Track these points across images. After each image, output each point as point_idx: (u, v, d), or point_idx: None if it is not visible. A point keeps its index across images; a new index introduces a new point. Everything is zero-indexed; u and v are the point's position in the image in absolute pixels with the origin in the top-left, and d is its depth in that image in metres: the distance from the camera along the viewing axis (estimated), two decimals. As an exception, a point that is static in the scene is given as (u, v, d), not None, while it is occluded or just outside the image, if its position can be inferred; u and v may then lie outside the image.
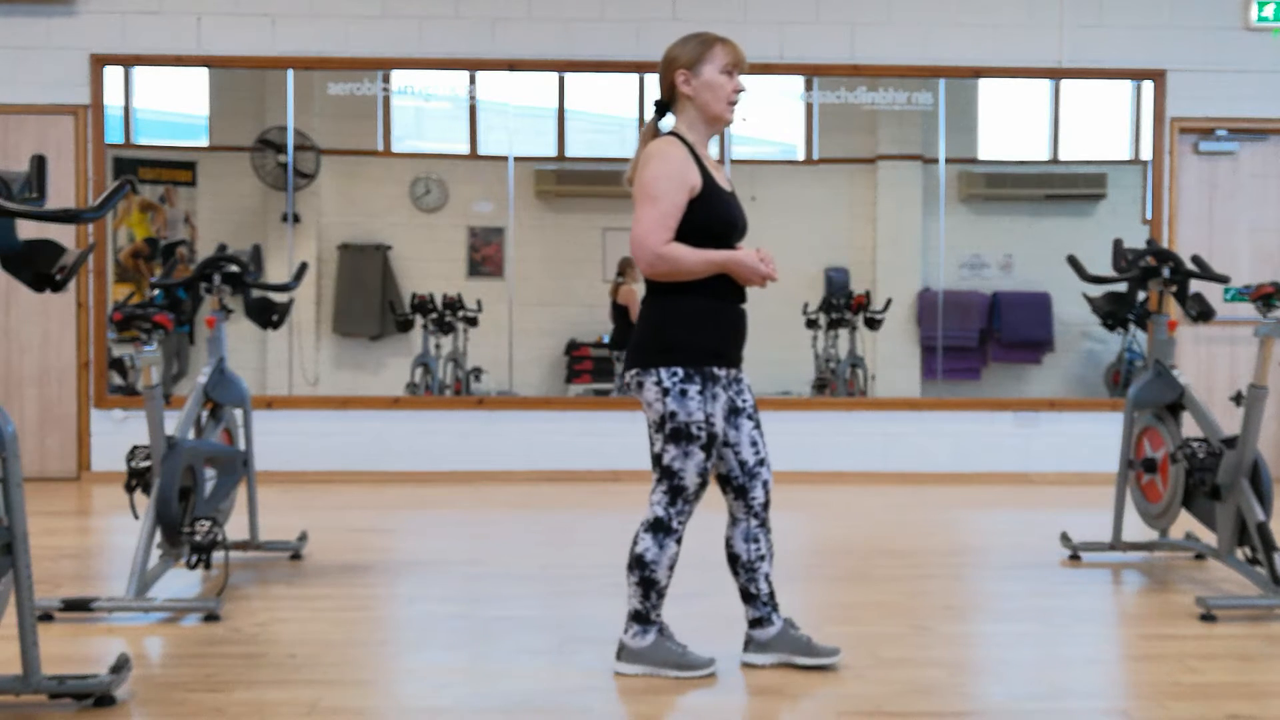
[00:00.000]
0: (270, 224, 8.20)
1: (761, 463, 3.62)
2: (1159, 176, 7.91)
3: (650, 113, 3.60)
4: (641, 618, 3.57)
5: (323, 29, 7.76)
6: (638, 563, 3.53)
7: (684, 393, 3.44)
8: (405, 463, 7.66)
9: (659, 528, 3.52)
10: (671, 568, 3.56)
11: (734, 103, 3.55)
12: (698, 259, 3.41)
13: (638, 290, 8.21)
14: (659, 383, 3.45)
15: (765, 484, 3.63)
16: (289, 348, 8.17)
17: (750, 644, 3.70)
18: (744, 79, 3.57)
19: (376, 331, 8.41)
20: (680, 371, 3.44)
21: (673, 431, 3.46)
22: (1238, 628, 4.17)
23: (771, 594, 3.68)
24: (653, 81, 8.12)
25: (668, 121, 3.59)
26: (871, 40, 7.86)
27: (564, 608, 4.48)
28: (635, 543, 3.54)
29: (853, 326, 8.24)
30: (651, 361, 3.46)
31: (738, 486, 3.62)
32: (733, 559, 3.66)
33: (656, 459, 3.52)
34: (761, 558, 3.65)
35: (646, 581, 3.53)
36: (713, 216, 3.46)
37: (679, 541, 3.55)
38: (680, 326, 3.45)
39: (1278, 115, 7.90)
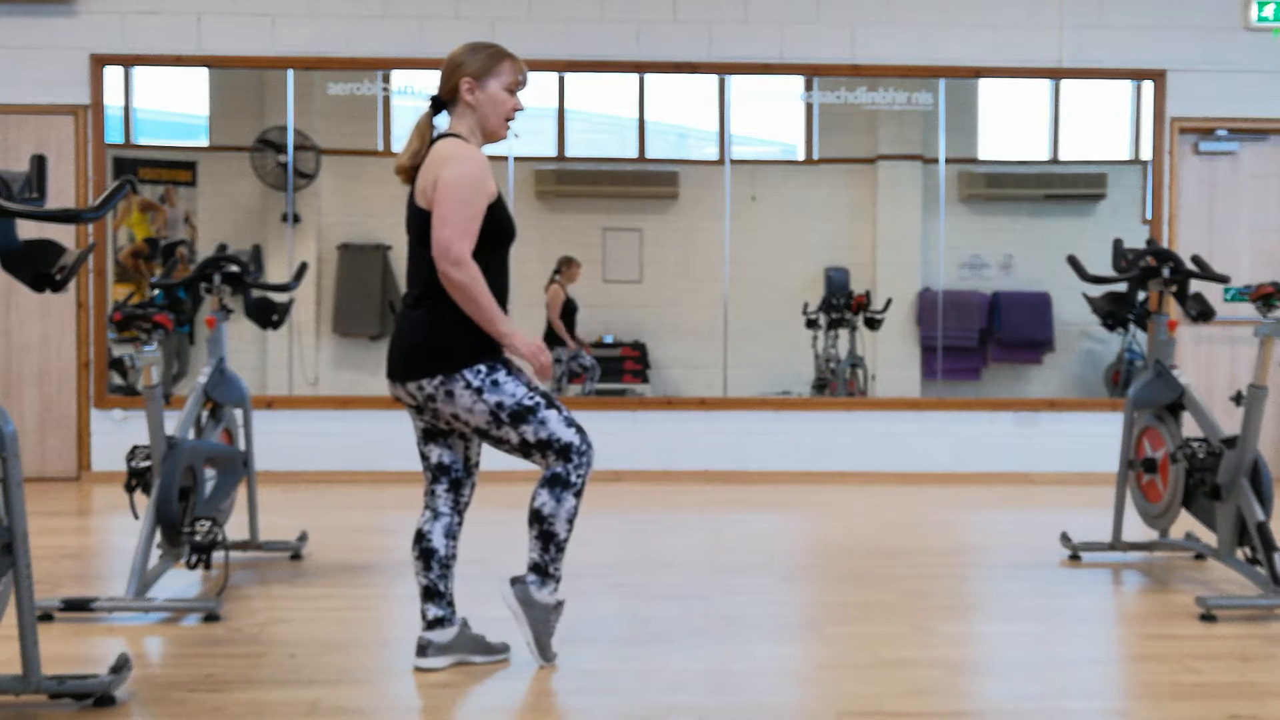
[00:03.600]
0: (270, 224, 8.20)
1: (477, 465, 3.74)
2: (1159, 176, 7.91)
3: (427, 106, 3.63)
4: (541, 570, 3.57)
5: (323, 29, 7.76)
6: (535, 517, 3.54)
7: (495, 382, 3.48)
8: (405, 463, 7.60)
9: (555, 482, 3.52)
10: (570, 522, 3.56)
11: (511, 120, 3.62)
12: (490, 309, 3.42)
13: (561, 293, 8.22)
14: (468, 385, 3.46)
15: (474, 485, 3.75)
16: (289, 348, 8.17)
17: (429, 648, 3.63)
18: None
19: (376, 331, 8.40)
20: (482, 369, 3.47)
21: (512, 416, 3.49)
22: (1238, 628, 4.17)
23: (452, 593, 3.68)
24: (653, 81, 8.13)
25: (441, 120, 3.63)
26: (871, 40, 7.86)
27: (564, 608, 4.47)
28: (533, 497, 3.54)
29: (853, 326, 8.24)
30: (453, 367, 3.46)
31: (454, 481, 3.69)
32: (427, 554, 3.63)
33: (522, 446, 3.53)
34: (454, 556, 3.68)
35: (546, 535, 3.54)
36: (502, 224, 3.53)
37: (578, 495, 3.55)
38: (470, 330, 3.46)
39: (1278, 115, 7.90)
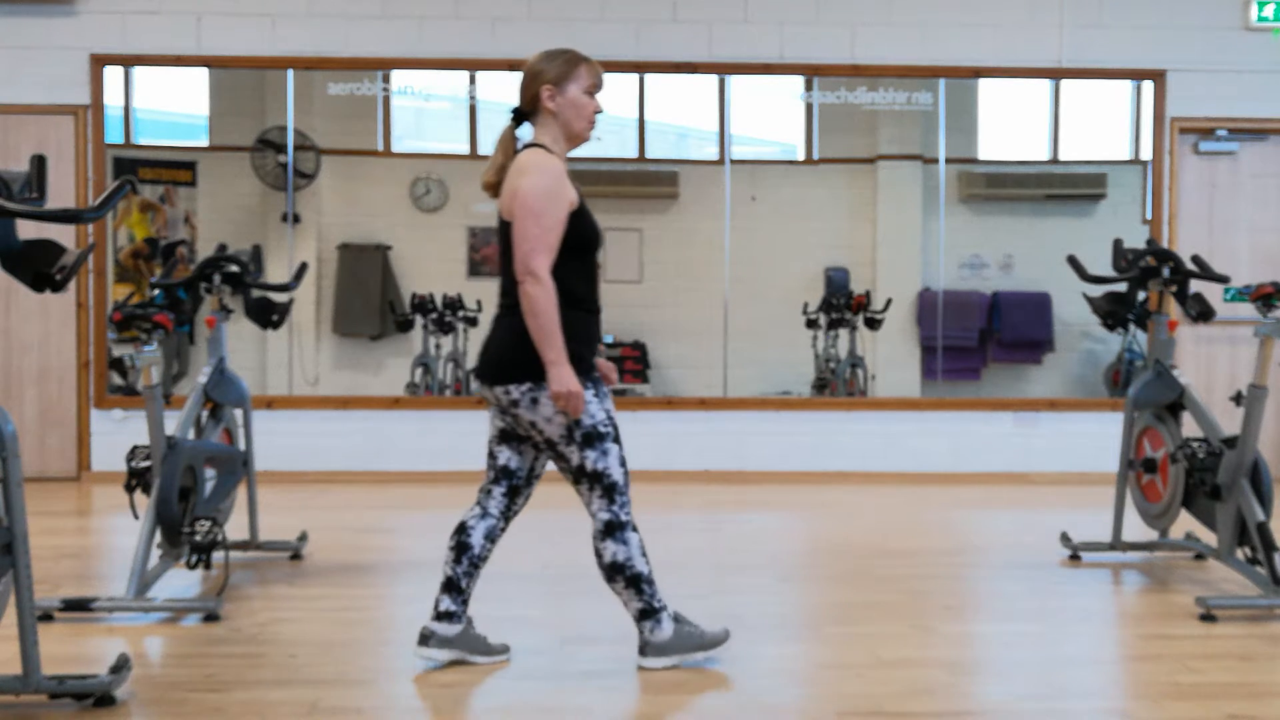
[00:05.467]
0: (270, 224, 8.20)
1: (538, 478, 3.75)
2: (1159, 176, 7.91)
3: (509, 119, 3.66)
4: (650, 613, 3.58)
5: (323, 29, 7.76)
6: (614, 569, 3.55)
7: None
8: (405, 463, 7.65)
9: (612, 529, 3.54)
10: (644, 553, 3.58)
11: (593, 123, 3.67)
12: (552, 332, 3.40)
13: None
14: None
15: (529, 497, 3.76)
16: (289, 348, 8.17)
17: (432, 639, 3.63)
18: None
19: (376, 331, 8.41)
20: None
21: (584, 437, 3.51)
22: (1238, 628, 4.17)
23: (471, 594, 3.69)
24: (653, 81, 8.13)
25: (524, 131, 3.65)
26: (871, 40, 7.86)
27: (564, 608, 4.48)
28: (600, 555, 3.55)
29: (853, 326, 8.24)
30: (544, 376, 3.46)
31: (513, 487, 3.70)
32: (462, 547, 3.63)
33: (579, 470, 3.54)
34: (486, 560, 3.68)
35: (634, 579, 3.55)
36: (583, 231, 3.54)
37: (635, 529, 3.58)
38: (565, 341, 3.45)
39: (1278, 115, 7.90)
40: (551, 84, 3.58)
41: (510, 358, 3.51)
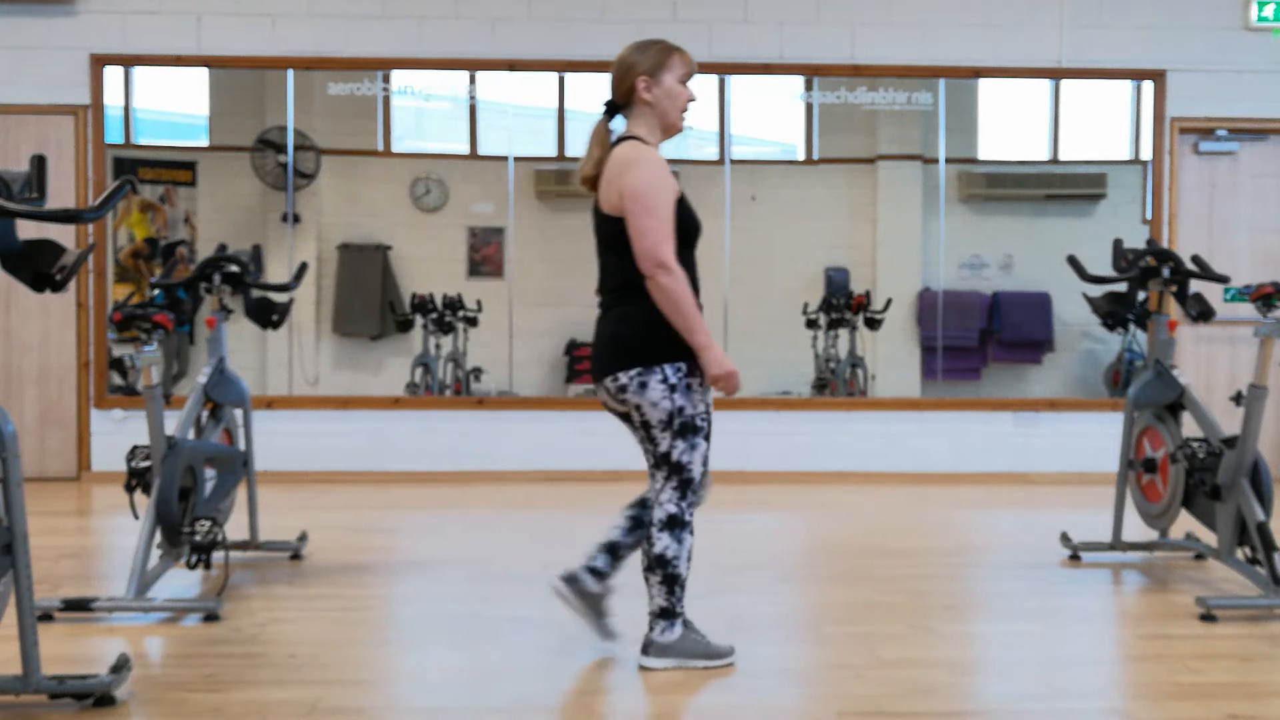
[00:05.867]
0: (270, 224, 8.20)
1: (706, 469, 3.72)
2: (1159, 176, 7.91)
3: (601, 112, 3.67)
4: (669, 613, 3.59)
5: (323, 29, 7.76)
6: (659, 562, 3.55)
7: (688, 387, 3.51)
8: (405, 463, 7.65)
9: (674, 524, 3.55)
10: (690, 558, 3.60)
11: (686, 111, 3.66)
12: (693, 317, 3.43)
13: None
14: (664, 380, 3.49)
15: (706, 486, 3.74)
16: (289, 348, 8.17)
17: (574, 583, 3.71)
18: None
19: (376, 331, 8.41)
20: (683, 367, 3.51)
21: (681, 426, 3.52)
22: (1238, 628, 4.17)
23: (622, 565, 3.75)
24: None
25: (617, 124, 3.66)
26: (871, 40, 7.86)
27: (564, 608, 4.47)
28: (652, 543, 3.55)
29: (853, 326, 8.24)
30: (655, 359, 3.48)
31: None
32: (638, 522, 3.72)
33: (664, 457, 3.55)
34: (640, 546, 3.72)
35: (671, 578, 3.56)
36: (688, 221, 3.55)
37: (692, 532, 3.59)
38: (671, 326, 3.47)
39: (1278, 115, 7.90)
40: (647, 75, 3.58)
41: (620, 347, 3.53)
